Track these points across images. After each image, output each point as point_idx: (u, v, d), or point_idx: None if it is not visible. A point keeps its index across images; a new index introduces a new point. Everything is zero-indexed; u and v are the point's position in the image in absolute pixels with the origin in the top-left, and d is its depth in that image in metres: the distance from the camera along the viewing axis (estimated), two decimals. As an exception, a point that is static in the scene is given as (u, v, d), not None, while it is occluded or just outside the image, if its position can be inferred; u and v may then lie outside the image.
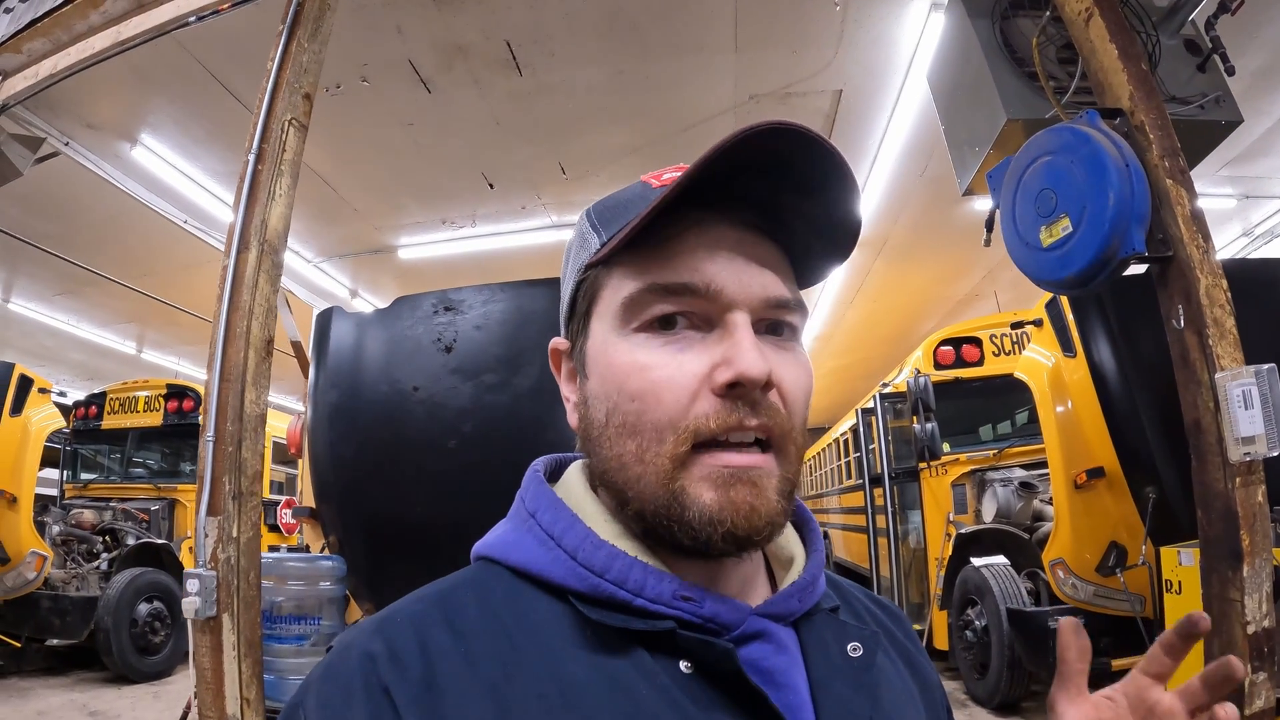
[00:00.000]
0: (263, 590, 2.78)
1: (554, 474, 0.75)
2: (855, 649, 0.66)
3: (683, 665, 0.58)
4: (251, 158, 3.08)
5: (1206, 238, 2.45)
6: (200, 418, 2.76)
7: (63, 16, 4.63)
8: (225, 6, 4.11)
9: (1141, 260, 2.52)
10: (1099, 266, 2.54)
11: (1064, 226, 2.64)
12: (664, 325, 0.62)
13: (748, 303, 0.62)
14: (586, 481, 0.70)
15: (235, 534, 2.60)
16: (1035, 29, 3.14)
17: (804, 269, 0.71)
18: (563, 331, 0.74)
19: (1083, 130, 2.60)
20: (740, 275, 0.62)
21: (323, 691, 0.55)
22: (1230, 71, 3.18)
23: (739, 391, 0.59)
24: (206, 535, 2.55)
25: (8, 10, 5.12)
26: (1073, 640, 0.65)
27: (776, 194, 0.64)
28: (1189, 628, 0.66)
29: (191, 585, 2.45)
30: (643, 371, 0.61)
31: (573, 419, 0.71)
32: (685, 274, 0.61)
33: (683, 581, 0.61)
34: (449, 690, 0.53)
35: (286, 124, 3.17)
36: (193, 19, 4.20)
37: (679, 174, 0.62)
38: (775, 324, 0.64)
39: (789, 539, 0.73)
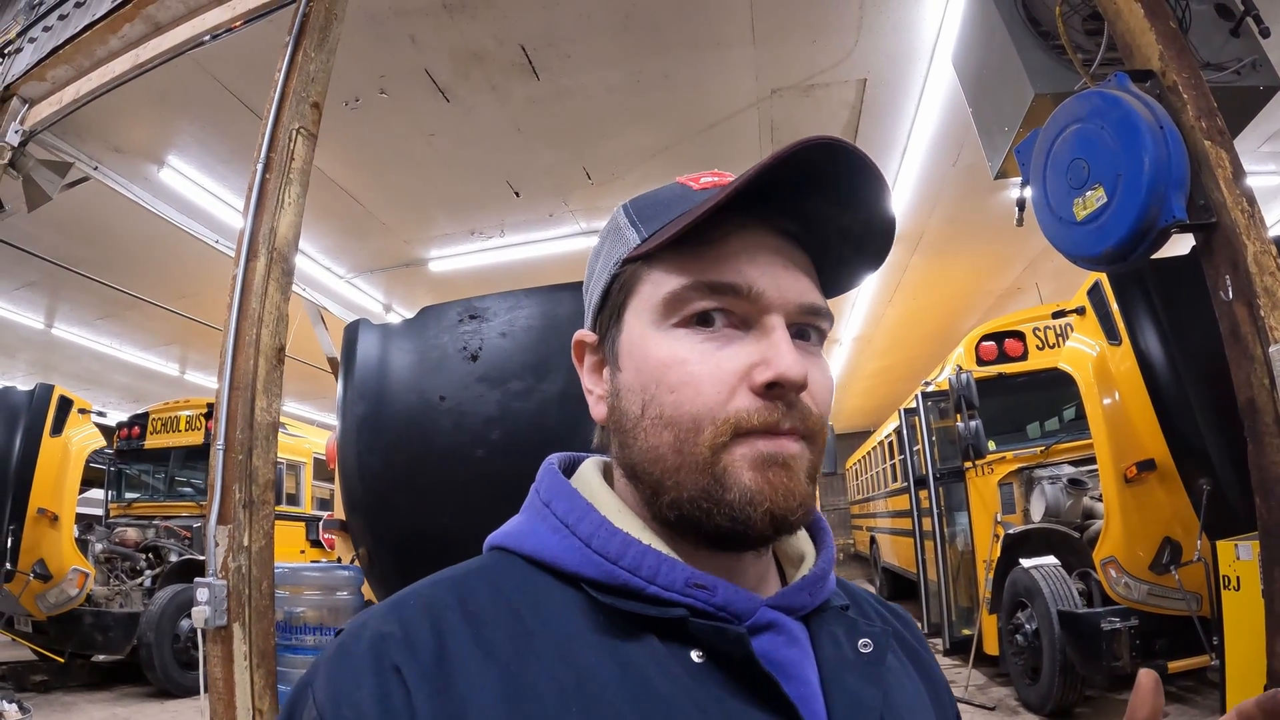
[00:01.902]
0: (279, 600, 2.74)
1: (568, 471, 0.76)
2: (866, 645, 0.67)
3: (694, 654, 0.58)
4: (259, 166, 3.09)
5: (1252, 201, 2.28)
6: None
7: (83, 43, 4.74)
8: (238, 24, 4.16)
9: (1183, 228, 2.36)
10: (1138, 237, 2.39)
11: (1098, 197, 2.50)
12: (701, 322, 0.64)
13: (784, 307, 0.64)
14: (601, 476, 0.72)
15: (246, 543, 2.57)
16: (1057, -1, 3.02)
17: (836, 277, 0.73)
18: (588, 324, 0.75)
19: (1112, 94, 2.46)
20: (778, 280, 0.64)
21: (333, 670, 0.55)
22: (1265, 34, 3.01)
23: (777, 392, 0.61)
24: (217, 544, 2.53)
25: (31, 40, 5.24)
26: (1149, 698, 0.57)
27: (815, 205, 0.65)
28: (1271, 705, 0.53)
29: (201, 594, 2.44)
30: (683, 365, 0.62)
31: (598, 411, 0.72)
32: (729, 274, 0.63)
33: (696, 570, 0.62)
34: (460, 671, 0.54)
35: (294, 133, 3.17)
36: (207, 38, 4.27)
37: (716, 178, 0.68)
38: (804, 329, 0.66)
39: (799, 536, 0.75)
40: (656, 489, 0.64)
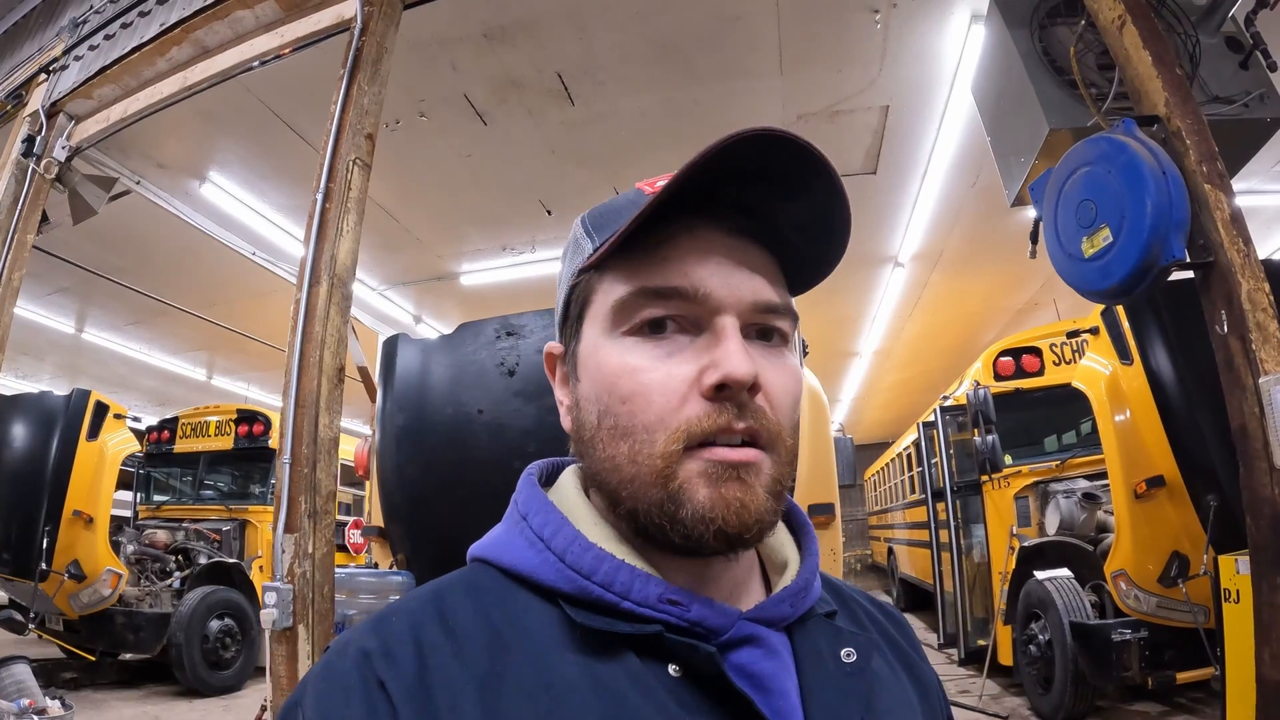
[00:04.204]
0: (335, 604, 2.90)
1: (551, 478, 0.76)
2: (849, 654, 0.66)
3: (671, 669, 0.58)
4: (319, 197, 3.24)
5: (1247, 241, 2.45)
6: (270, 441, 2.91)
7: (131, 64, 4.87)
8: (287, 51, 4.26)
9: (1182, 267, 2.52)
10: (1140, 275, 2.55)
11: (1104, 236, 2.65)
12: (654, 329, 0.63)
13: (736, 307, 0.62)
14: (579, 486, 0.70)
15: (310, 550, 2.73)
16: (1073, 37, 3.15)
17: (800, 273, 0.71)
18: (557, 336, 0.75)
19: (1119, 139, 2.61)
20: (729, 279, 0.63)
21: (320, 688, 0.55)
22: (1273, 68, 3.15)
23: (726, 394, 0.59)
24: (284, 551, 2.69)
25: (77, 58, 5.39)
26: None
27: (764, 199, 0.64)
28: None
29: (269, 598, 2.59)
30: (633, 374, 0.62)
31: (566, 422, 0.71)
32: (675, 278, 0.62)
33: (670, 585, 0.61)
34: (440, 686, 0.54)
35: (351, 164, 3.33)
36: (256, 64, 4.38)
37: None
38: (764, 329, 0.65)
39: (783, 543, 0.74)
40: (614, 499, 0.64)
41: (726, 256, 0.64)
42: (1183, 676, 4.73)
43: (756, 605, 0.65)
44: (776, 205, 0.65)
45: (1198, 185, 2.53)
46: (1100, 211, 2.67)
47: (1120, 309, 4.64)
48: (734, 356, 0.59)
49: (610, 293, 0.65)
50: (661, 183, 0.65)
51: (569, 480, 0.71)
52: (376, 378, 4.40)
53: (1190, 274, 2.62)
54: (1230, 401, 2.47)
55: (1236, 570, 3.23)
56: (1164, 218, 2.48)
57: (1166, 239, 2.49)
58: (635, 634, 0.59)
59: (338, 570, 3.05)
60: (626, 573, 0.61)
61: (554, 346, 0.74)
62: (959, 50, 5.22)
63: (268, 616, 2.59)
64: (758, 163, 0.61)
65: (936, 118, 6.10)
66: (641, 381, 0.61)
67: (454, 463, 3.93)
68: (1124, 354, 4.73)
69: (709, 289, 0.62)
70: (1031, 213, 3.25)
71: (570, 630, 0.59)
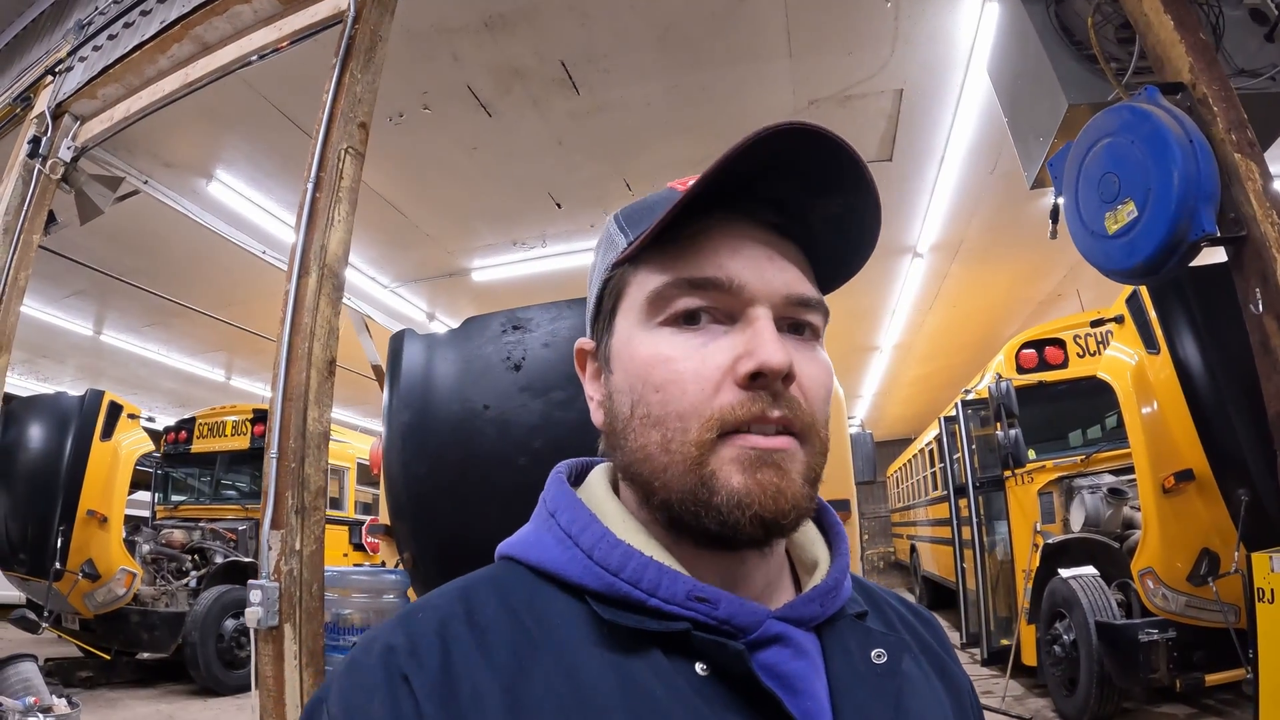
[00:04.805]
0: (327, 603, 2.83)
1: (581, 477, 0.76)
2: (879, 655, 0.66)
3: (699, 667, 0.58)
4: (309, 185, 3.19)
5: (1283, 213, 2.29)
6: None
7: (133, 62, 4.86)
8: (285, 44, 4.24)
9: (1213, 242, 2.36)
10: (1168, 251, 2.40)
11: (1129, 211, 2.51)
12: (688, 320, 0.63)
13: (769, 298, 0.63)
14: (609, 483, 0.71)
15: (298, 547, 2.66)
16: (1090, 8, 3.02)
17: (831, 268, 0.71)
18: (588, 332, 0.76)
19: (1142, 108, 2.46)
20: (762, 271, 0.63)
21: (346, 684, 0.56)
22: (1300, 39, 3.00)
23: (761, 382, 0.59)
24: (270, 548, 2.62)
25: (82, 59, 5.40)
26: None
27: (796, 193, 0.65)
28: None
29: (254, 596, 2.53)
30: (667, 363, 0.62)
31: (597, 417, 0.72)
32: (710, 269, 0.63)
33: (698, 582, 0.61)
34: (464, 682, 0.54)
35: (343, 152, 3.27)
36: (255, 58, 4.36)
37: None
38: (797, 324, 0.66)
39: (813, 541, 0.73)
40: (648, 490, 0.64)
41: (760, 249, 0.65)
42: (1212, 678, 4.59)
43: (786, 604, 0.65)
44: (808, 200, 0.66)
45: (1227, 155, 2.36)
46: (1124, 185, 2.53)
47: (1146, 296, 4.50)
48: (769, 345, 0.60)
49: (645, 285, 0.66)
50: (693, 181, 0.65)
51: (598, 478, 0.73)
52: (384, 374, 4.36)
53: (1220, 251, 2.48)
54: (1267, 387, 2.30)
55: (1271, 568, 3.08)
56: (1192, 189, 2.32)
57: (1196, 212, 2.33)
58: (663, 631, 0.59)
59: (329, 569, 2.98)
60: (654, 569, 0.61)
61: (585, 342, 0.77)
62: (973, 29, 5.10)
63: (252, 615, 2.53)
64: (789, 157, 0.61)
65: (952, 101, 5.97)
66: (676, 370, 0.62)
67: (459, 459, 3.88)
68: (1150, 343, 4.60)
69: (744, 280, 0.63)
70: (1053, 197, 3.14)
71: (597, 627, 0.60)
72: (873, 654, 0.66)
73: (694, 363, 0.61)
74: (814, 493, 0.63)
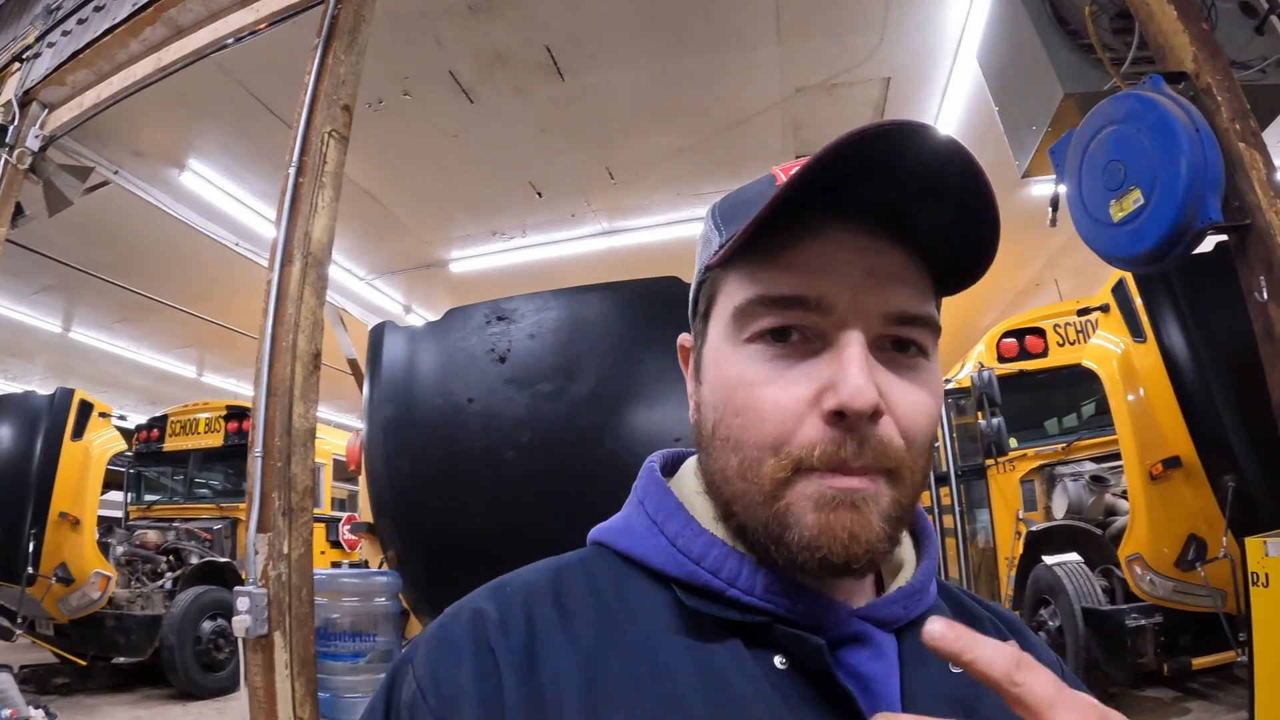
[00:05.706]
0: (317, 607, 2.73)
1: (674, 467, 0.76)
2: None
3: (778, 660, 0.58)
4: (292, 171, 3.08)
5: (1286, 202, 2.28)
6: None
7: (104, 46, 4.72)
8: (263, 26, 4.13)
9: (1218, 230, 2.36)
10: (1175, 239, 2.38)
11: (1135, 199, 2.49)
12: (776, 337, 0.59)
13: (863, 319, 0.58)
14: (699, 476, 0.68)
15: (286, 550, 2.56)
16: (1086, -2, 3.00)
17: (944, 277, 0.65)
18: (690, 326, 0.74)
19: (1148, 96, 2.44)
20: (857, 288, 0.58)
21: (433, 648, 0.58)
22: (1290, 31, 3.00)
23: (846, 422, 0.55)
24: (257, 552, 2.52)
25: (50, 45, 5.23)
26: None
27: (900, 197, 0.58)
28: None
29: (242, 603, 2.42)
30: (750, 387, 0.59)
31: (692, 418, 0.70)
32: (796, 286, 0.58)
33: (778, 576, 0.60)
34: (545, 659, 0.55)
35: (326, 136, 3.16)
36: (230, 41, 4.25)
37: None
38: (901, 341, 0.60)
39: (901, 544, 0.71)
40: (726, 510, 0.63)
41: (857, 262, 0.59)
42: (1199, 662, 4.67)
43: (868, 604, 0.63)
44: (914, 204, 0.59)
45: (1231, 144, 2.35)
46: (1130, 173, 2.50)
47: (1132, 284, 4.51)
48: (852, 381, 0.54)
49: (732, 296, 0.62)
50: (784, 181, 0.61)
51: (689, 470, 0.72)
52: (363, 368, 4.25)
53: (1217, 241, 2.50)
54: (1271, 375, 2.28)
55: (1266, 553, 3.09)
56: (1199, 177, 2.31)
57: (1202, 200, 2.32)
58: (744, 622, 0.59)
59: (318, 572, 2.87)
60: (735, 560, 0.61)
61: (686, 339, 0.74)
62: (963, 17, 5.08)
63: (240, 624, 2.42)
64: (889, 157, 0.55)
65: (939, 89, 5.96)
66: (756, 396, 0.58)
67: (444, 454, 3.81)
68: (1136, 331, 4.62)
69: (833, 300, 0.57)
70: (1039, 188, 3.11)
71: (680, 614, 0.60)
72: (951, 664, 0.60)
73: (775, 390, 0.58)
74: (896, 533, 0.59)
